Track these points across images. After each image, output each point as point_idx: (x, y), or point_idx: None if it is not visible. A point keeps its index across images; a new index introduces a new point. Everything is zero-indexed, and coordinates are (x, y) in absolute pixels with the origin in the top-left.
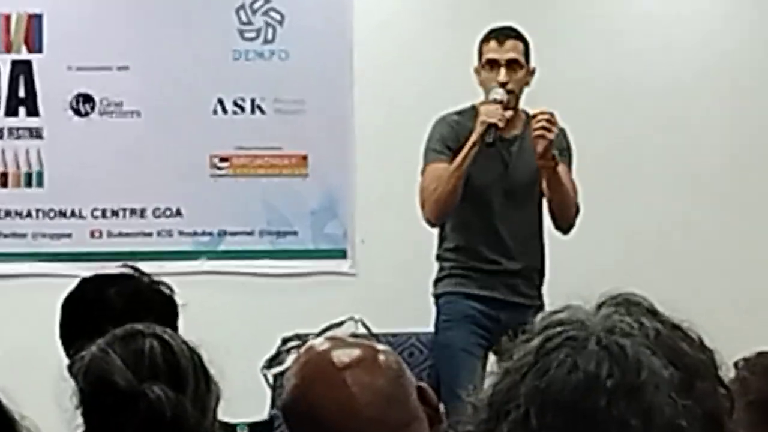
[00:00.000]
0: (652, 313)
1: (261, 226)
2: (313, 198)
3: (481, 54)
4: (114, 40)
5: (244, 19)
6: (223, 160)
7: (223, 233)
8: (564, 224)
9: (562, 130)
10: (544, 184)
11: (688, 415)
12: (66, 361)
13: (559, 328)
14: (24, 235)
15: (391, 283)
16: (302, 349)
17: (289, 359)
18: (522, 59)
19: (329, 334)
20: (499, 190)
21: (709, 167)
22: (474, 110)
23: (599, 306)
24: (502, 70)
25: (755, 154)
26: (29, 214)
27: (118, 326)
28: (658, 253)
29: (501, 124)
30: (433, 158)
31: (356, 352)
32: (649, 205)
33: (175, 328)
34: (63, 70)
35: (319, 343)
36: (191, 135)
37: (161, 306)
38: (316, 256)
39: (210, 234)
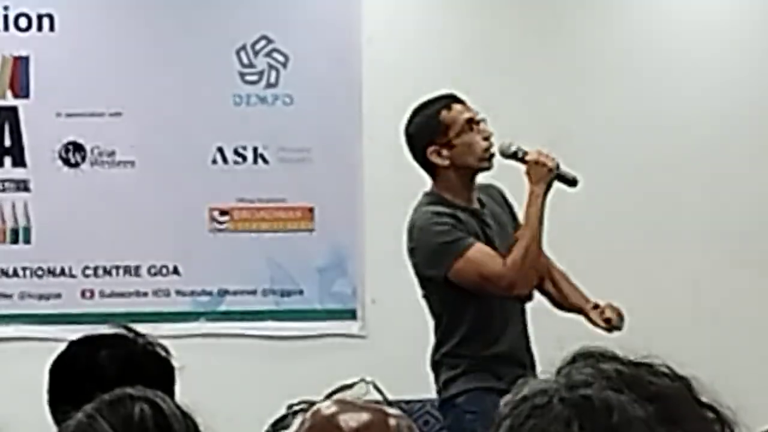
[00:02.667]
0: (611, 357)
1: (264, 285)
2: (319, 254)
3: (446, 126)
4: (106, 84)
5: (245, 61)
6: (223, 213)
7: (223, 292)
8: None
9: (498, 191)
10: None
11: None
12: (54, 429)
13: (522, 405)
14: (10, 296)
15: (404, 346)
16: (309, 412)
17: (295, 423)
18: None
19: (338, 396)
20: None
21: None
22: (444, 200)
23: (558, 370)
24: (482, 125)
25: None
26: (15, 273)
27: (110, 391)
28: (691, 310)
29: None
30: (464, 245)
31: (365, 417)
32: (682, 258)
33: (171, 393)
34: (51, 116)
35: (326, 406)
36: (189, 186)
37: (157, 369)
38: (323, 316)
39: (209, 293)
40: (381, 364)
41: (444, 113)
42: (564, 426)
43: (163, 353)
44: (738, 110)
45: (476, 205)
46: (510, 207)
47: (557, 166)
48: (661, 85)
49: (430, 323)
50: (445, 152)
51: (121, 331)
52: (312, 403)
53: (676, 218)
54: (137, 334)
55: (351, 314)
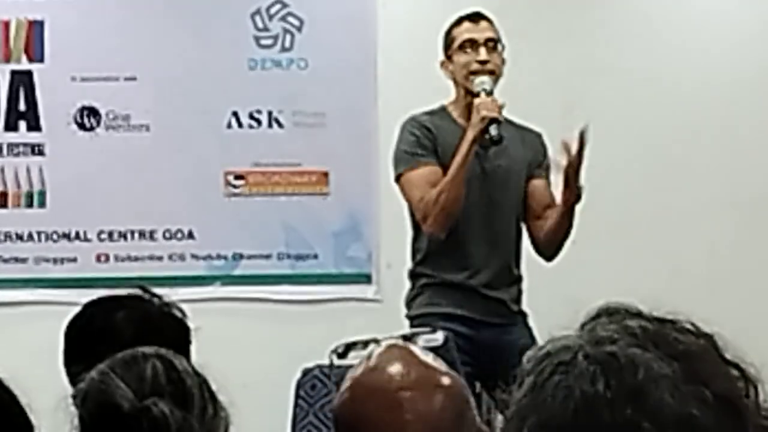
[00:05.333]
0: (636, 314)
1: (279, 249)
2: (335, 218)
3: (451, 40)
4: (121, 48)
5: (260, 25)
6: (238, 177)
7: (238, 256)
8: (551, 254)
9: (538, 136)
10: (545, 213)
11: (697, 402)
12: (70, 391)
13: (546, 361)
14: (25, 260)
15: None
16: (367, 354)
17: (358, 356)
18: (499, 42)
19: (397, 341)
20: (475, 198)
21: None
22: (445, 111)
23: (582, 326)
24: (482, 49)
25: None
26: (30, 237)
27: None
28: (707, 278)
29: (501, 117)
30: (413, 163)
31: (419, 373)
32: (697, 226)
33: (187, 354)
34: (66, 80)
35: (383, 353)
36: (204, 150)
37: (173, 330)
38: (338, 281)
39: (224, 257)
40: (396, 328)
41: (454, 29)
42: (589, 383)
43: (179, 314)
44: (754, 75)
45: (480, 119)
46: (543, 155)
47: (491, 120)
48: (677, 49)
49: None
50: (450, 66)
51: (137, 292)
52: (374, 341)
53: (690, 184)
54: (153, 295)
55: (366, 278)
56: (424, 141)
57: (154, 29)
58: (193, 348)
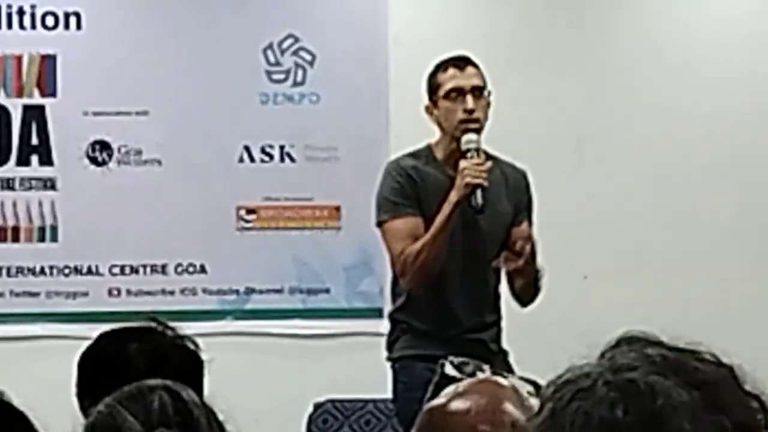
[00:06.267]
0: (656, 343)
1: (291, 283)
2: (346, 253)
3: (437, 85)
4: (133, 82)
5: (271, 59)
6: (249, 212)
7: (250, 291)
8: (527, 301)
9: (523, 176)
10: (508, 266)
11: (716, 430)
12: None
13: (566, 387)
14: (37, 294)
15: None
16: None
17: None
18: (485, 89)
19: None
20: (456, 249)
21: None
22: (430, 152)
23: (602, 354)
24: (469, 98)
25: None
26: (42, 272)
27: None
28: (719, 312)
29: (486, 183)
30: (395, 212)
31: (500, 410)
32: (708, 259)
33: (200, 386)
34: (78, 115)
35: (474, 384)
36: (216, 185)
37: (185, 363)
38: (350, 315)
39: (236, 292)
40: None
41: (439, 74)
42: (608, 409)
43: (192, 346)
44: (765, 108)
45: (465, 185)
46: (527, 196)
47: (476, 186)
48: (688, 83)
49: None
50: (435, 111)
51: (150, 324)
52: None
53: (702, 217)
54: (166, 327)
55: (378, 313)
56: (407, 190)
57: (166, 64)
58: (206, 377)
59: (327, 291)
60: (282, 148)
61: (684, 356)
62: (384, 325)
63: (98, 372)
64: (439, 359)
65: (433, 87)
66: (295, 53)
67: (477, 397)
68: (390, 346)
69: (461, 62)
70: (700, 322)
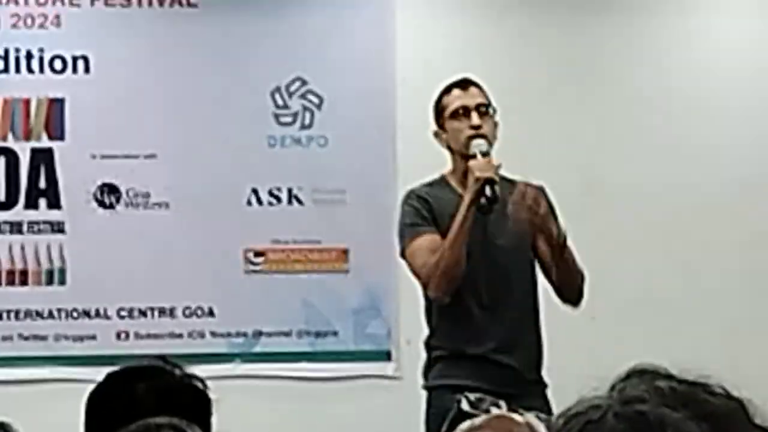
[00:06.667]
0: (666, 375)
1: (299, 326)
2: (354, 295)
3: (442, 108)
4: (141, 126)
5: (279, 102)
6: (257, 254)
7: (258, 334)
8: (573, 295)
9: (541, 190)
10: (546, 258)
11: None
12: None
13: (575, 420)
14: (45, 338)
15: None
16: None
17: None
18: (490, 106)
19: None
20: (477, 265)
21: None
22: (443, 180)
23: (612, 386)
24: (474, 115)
25: None
26: (50, 315)
27: None
28: (727, 353)
29: (497, 178)
30: (415, 233)
31: None
32: (716, 301)
33: (208, 425)
34: (86, 158)
35: (491, 420)
36: (224, 228)
37: (194, 402)
38: (358, 358)
39: (244, 335)
40: (416, 405)
41: (444, 97)
42: None
43: (200, 386)
44: None
45: (474, 181)
46: (546, 208)
47: (486, 180)
48: (699, 121)
49: None
50: (443, 135)
51: (159, 363)
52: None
53: (713, 257)
54: (174, 366)
55: (386, 355)
56: (423, 212)
57: (174, 107)
58: (213, 420)
59: (335, 334)
60: (290, 190)
61: (694, 389)
62: (391, 368)
63: (106, 411)
64: (469, 390)
65: (439, 111)
66: (302, 96)
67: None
68: (425, 374)
69: (464, 83)
70: (707, 364)
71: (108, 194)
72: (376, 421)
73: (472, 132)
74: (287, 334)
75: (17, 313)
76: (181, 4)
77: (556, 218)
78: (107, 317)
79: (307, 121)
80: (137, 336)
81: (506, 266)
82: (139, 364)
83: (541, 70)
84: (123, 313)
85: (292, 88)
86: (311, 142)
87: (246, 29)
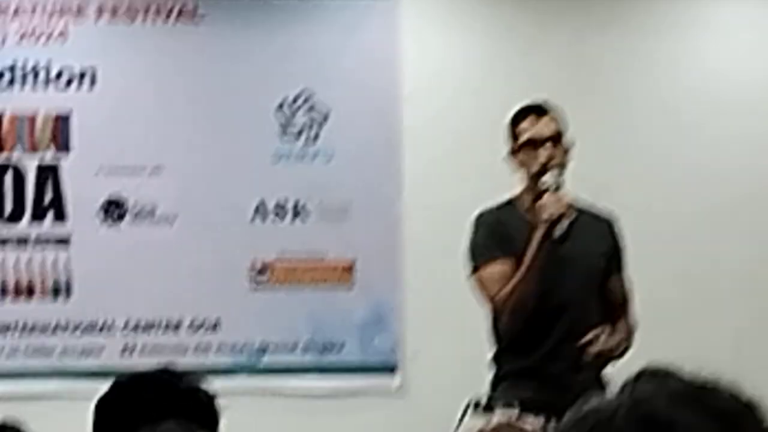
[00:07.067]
0: (676, 377)
1: (304, 340)
2: (360, 309)
3: (516, 135)
4: (147, 140)
5: (285, 116)
6: (263, 269)
7: (264, 348)
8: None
9: (610, 225)
10: (620, 311)
11: None
12: None
13: (584, 420)
14: (51, 352)
15: (445, 402)
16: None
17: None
18: (563, 135)
19: (510, 420)
20: (557, 289)
21: None
22: (512, 204)
23: (622, 387)
24: (547, 146)
25: None
26: (56, 329)
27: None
28: (733, 366)
29: (568, 215)
30: (487, 257)
31: None
32: (722, 314)
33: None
34: (92, 172)
35: (493, 428)
36: (229, 242)
37: (201, 409)
38: (364, 372)
39: (250, 349)
40: (422, 419)
41: (519, 123)
42: None
43: (208, 393)
44: None
45: (545, 220)
46: (615, 242)
47: (557, 217)
48: (702, 137)
49: (471, 378)
50: (516, 159)
51: (167, 370)
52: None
53: (717, 272)
54: (183, 374)
55: (392, 369)
56: (496, 236)
57: (180, 121)
58: (221, 427)
59: (341, 347)
60: (295, 204)
61: (704, 390)
62: (397, 382)
63: (114, 419)
64: (535, 405)
65: (512, 134)
66: (308, 111)
67: None
68: (492, 388)
69: (539, 111)
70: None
71: (114, 208)
72: None
73: (542, 166)
74: (293, 348)
75: (23, 327)
76: (186, 18)
77: (620, 268)
78: (113, 331)
79: (312, 135)
80: (143, 350)
81: (578, 296)
82: (145, 371)
83: (543, 84)
84: (129, 327)
85: (298, 103)
86: (317, 156)
87: (251, 44)
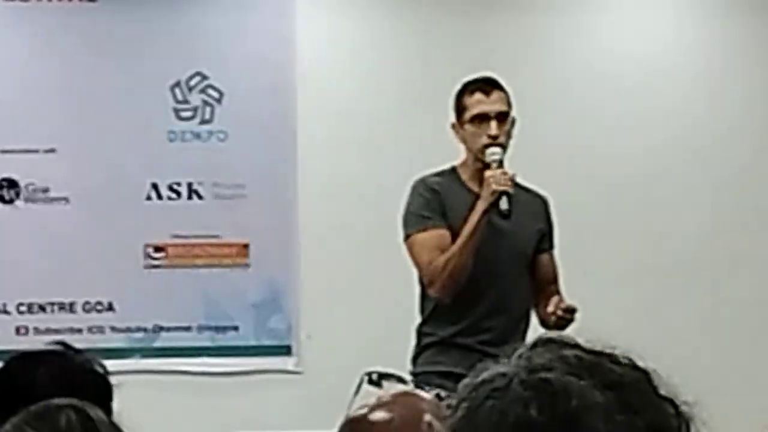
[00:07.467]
0: (572, 344)
1: (199, 321)
2: (254, 290)
3: (462, 108)
4: (40, 120)
5: (179, 97)
6: (157, 249)
7: (158, 329)
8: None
9: (545, 203)
10: (549, 288)
11: (626, 430)
12: None
13: (481, 387)
14: None
15: (339, 382)
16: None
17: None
18: (510, 112)
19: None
20: (490, 262)
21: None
22: (455, 173)
23: (519, 355)
24: (493, 124)
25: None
26: None
27: None
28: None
29: (512, 191)
30: (422, 225)
31: (414, 420)
32: (628, 295)
33: (109, 410)
34: None
35: (392, 396)
36: (124, 223)
37: (94, 386)
38: (258, 352)
39: (144, 330)
40: (317, 399)
41: (466, 96)
42: (522, 408)
43: (101, 370)
44: (671, 142)
45: (491, 193)
46: (548, 222)
47: (501, 193)
48: (596, 117)
49: (366, 356)
50: (461, 132)
51: (60, 348)
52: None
53: (604, 258)
54: (75, 351)
55: (286, 350)
56: (433, 204)
57: (74, 102)
58: (114, 405)
59: (236, 328)
60: (190, 185)
61: (599, 358)
62: (292, 362)
63: (7, 395)
64: (456, 376)
65: (459, 108)
66: (202, 91)
67: (399, 408)
68: (414, 360)
69: (487, 86)
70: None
71: (7, 189)
72: (277, 415)
73: (489, 140)
74: (188, 329)
75: None
76: None
77: (552, 245)
78: (6, 312)
79: (207, 116)
80: (37, 331)
81: (509, 265)
82: (39, 348)
83: (443, 63)
84: (22, 308)
85: (192, 83)
86: (211, 136)
87: (146, 24)
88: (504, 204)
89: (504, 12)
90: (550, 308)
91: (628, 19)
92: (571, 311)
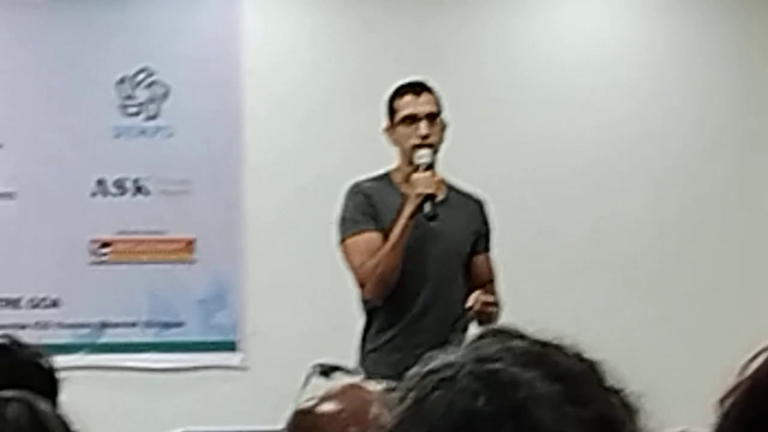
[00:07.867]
0: (519, 335)
1: (145, 317)
2: (200, 286)
3: (393, 110)
4: None
5: (125, 92)
6: (103, 245)
7: (103, 325)
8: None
9: (480, 205)
10: (485, 288)
11: (576, 423)
12: None
13: (429, 377)
14: None
15: (285, 378)
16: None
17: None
18: (440, 114)
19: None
20: (421, 263)
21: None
22: (388, 177)
23: (466, 345)
24: (422, 124)
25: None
26: None
27: None
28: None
29: (439, 194)
30: (355, 229)
31: (363, 411)
32: (568, 291)
33: (55, 401)
34: None
35: (340, 389)
36: (69, 218)
37: (41, 379)
38: (204, 348)
39: (89, 326)
40: (262, 395)
41: (396, 99)
42: (470, 398)
43: (47, 364)
44: (611, 136)
45: (416, 195)
46: (485, 225)
47: (427, 197)
48: (554, 108)
49: (312, 352)
50: (393, 134)
51: (6, 341)
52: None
53: (556, 248)
54: (21, 345)
55: (232, 346)
56: (365, 208)
57: (19, 97)
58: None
59: (181, 324)
60: (136, 181)
61: (547, 350)
62: (237, 358)
63: None
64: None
65: (391, 111)
66: (148, 86)
67: (346, 400)
68: (361, 363)
69: (417, 88)
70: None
71: None
72: (222, 411)
73: (418, 141)
74: (133, 324)
75: None
76: None
77: (488, 248)
78: None
79: (152, 112)
80: None
81: (443, 271)
82: None
83: (386, 59)
84: None
85: (138, 78)
86: (157, 132)
87: (91, 20)
88: (428, 207)
89: (461, 7)
90: (469, 302)
91: (567, 15)
92: (491, 304)
